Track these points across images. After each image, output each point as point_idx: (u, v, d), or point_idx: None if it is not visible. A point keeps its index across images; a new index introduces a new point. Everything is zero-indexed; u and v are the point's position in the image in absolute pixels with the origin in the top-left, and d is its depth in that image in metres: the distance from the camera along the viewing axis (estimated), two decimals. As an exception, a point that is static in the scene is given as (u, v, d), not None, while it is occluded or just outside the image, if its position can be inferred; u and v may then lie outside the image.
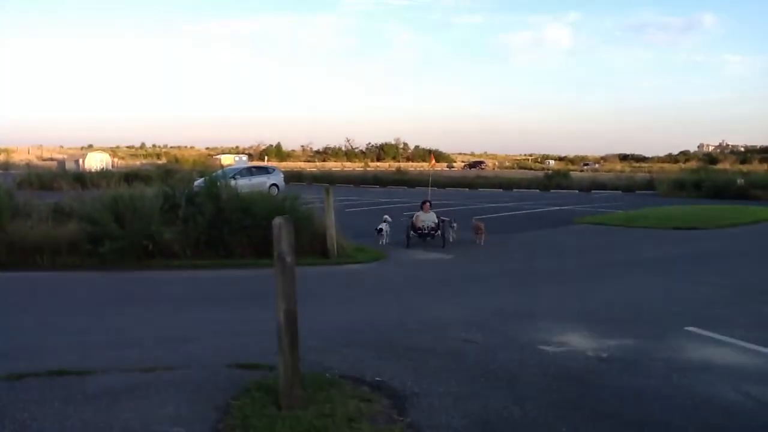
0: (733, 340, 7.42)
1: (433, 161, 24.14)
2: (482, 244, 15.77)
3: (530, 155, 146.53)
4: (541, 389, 5.78)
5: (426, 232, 15.79)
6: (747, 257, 14.81)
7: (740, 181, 35.04)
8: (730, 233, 19.54)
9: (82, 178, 31.38)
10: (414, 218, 16.19)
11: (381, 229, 15.79)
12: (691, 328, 7.95)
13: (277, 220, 4.95)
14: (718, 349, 7.13)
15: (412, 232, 15.77)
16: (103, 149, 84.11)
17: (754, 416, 5.23)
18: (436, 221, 16.01)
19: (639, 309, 9.11)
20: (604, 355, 6.87)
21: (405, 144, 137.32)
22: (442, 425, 4.98)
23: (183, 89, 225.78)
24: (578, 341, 7.35)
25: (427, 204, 16.53)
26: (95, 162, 52.91)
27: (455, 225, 16.64)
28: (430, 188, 23.73)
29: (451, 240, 15.99)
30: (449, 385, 5.87)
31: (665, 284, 11.32)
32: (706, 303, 9.54)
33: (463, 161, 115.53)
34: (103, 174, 27.26)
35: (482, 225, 16.15)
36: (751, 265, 13.46)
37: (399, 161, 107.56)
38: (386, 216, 16.42)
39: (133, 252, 12.54)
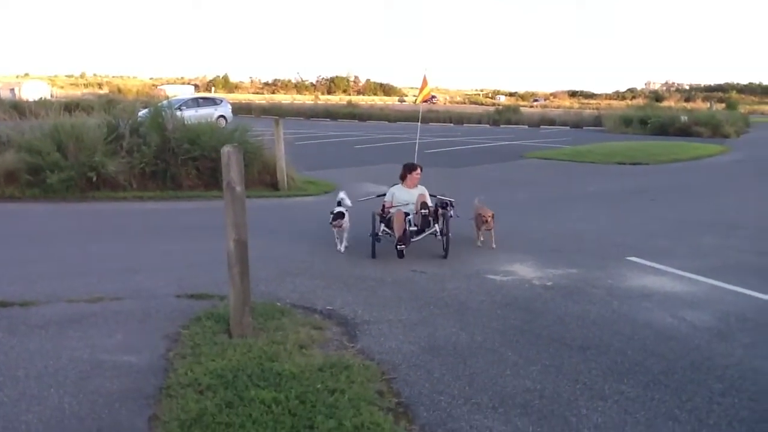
0: (671, 270, 7.72)
1: (426, 90, 11.76)
2: (492, 246, 8.62)
3: (481, 90, 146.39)
4: (489, 316, 5.94)
5: (412, 228, 8.12)
6: (687, 191, 15.29)
7: (684, 118, 35.75)
8: (673, 168, 20.11)
9: (20, 107, 29.94)
10: (387, 202, 8.55)
11: (336, 215, 8.23)
12: (632, 258, 8.23)
13: (226, 148, 4.85)
14: (658, 278, 7.42)
15: (383, 228, 8.19)
16: (41, 78, 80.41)
17: (689, 339, 5.49)
18: (432, 206, 8.39)
19: (583, 240, 9.36)
20: (549, 283, 7.07)
21: (356, 77, 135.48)
22: (392, 350, 5.09)
23: (124, 13, 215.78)
24: (524, 271, 7.54)
25: (416, 172, 8.66)
26: (33, 91, 50.53)
27: (452, 211, 8.67)
28: (417, 142, 11.24)
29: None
30: (399, 312, 5.98)
31: (609, 217, 11.64)
32: (648, 234, 9.86)
33: (414, 96, 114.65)
34: (42, 103, 26.00)
35: (491, 214, 8.58)
36: (691, 199, 13.91)
37: (350, 94, 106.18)
38: (342, 194, 8.91)
39: (77, 183, 12.18)
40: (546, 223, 10.65)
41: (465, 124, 45.65)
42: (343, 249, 8.34)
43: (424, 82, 11.25)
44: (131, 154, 12.90)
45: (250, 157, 13.16)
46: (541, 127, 43.62)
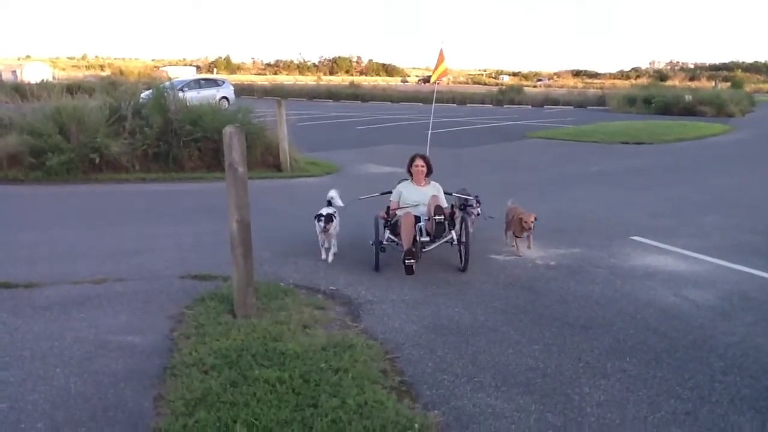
0: (674, 249, 7.72)
1: (443, 67, 10.10)
2: (529, 247, 7.54)
3: (485, 70, 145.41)
4: (491, 296, 5.96)
5: (424, 239, 6.60)
6: (691, 171, 15.23)
7: (688, 97, 35.54)
8: (676, 148, 20.01)
9: (21, 90, 29.84)
10: (393, 202, 7.18)
11: (325, 218, 6.86)
12: (635, 238, 8.23)
13: (228, 129, 4.84)
14: (661, 257, 7.42)
15: (388, 235, 6.86)
16: (42, 60, 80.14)
17: (691, 318, 5.50)
18: (448, 207, 7.06)
19: (586, 220, 9.35)
20: (552, 263, 7.07)
21: (359, 58, 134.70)
22: (396, 330, 5.11)
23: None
24: (527, 251, 7.53)
25: (417, 163, 7.21)
26: (34, 73, 50.32)
27: (477, 209, 7.77)
28: (430, 130, 10.37)
29: (471, 229, 7.16)
30: (402, 292, 6.00)
31: (612, 196, 11.61)
32: (651, 214, 9.84)
33: (417, 76, 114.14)
34: (44, 85, 25.89)
35: (533, 218, 7.19)
36: (695, 179, 13.86)
37: (353, 75, 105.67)
38: (333, 193, 7.57)
39: (80, 165, 12.18)
40: (549, 203, 10.62)
41: (468, 104, 45.46)
42: (330, 258, 6.98)
43: (440, 58, 10.00)
44: (133, 136, 12.89)
45: (253, 139, 13.14)
46: (545, 106, 43.41)
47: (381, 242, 6.71)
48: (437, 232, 6.65)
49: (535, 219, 7.23)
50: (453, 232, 6.87)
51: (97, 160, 12.24)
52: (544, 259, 7.21)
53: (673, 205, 10.70)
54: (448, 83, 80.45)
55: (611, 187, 12.65)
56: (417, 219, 6.64)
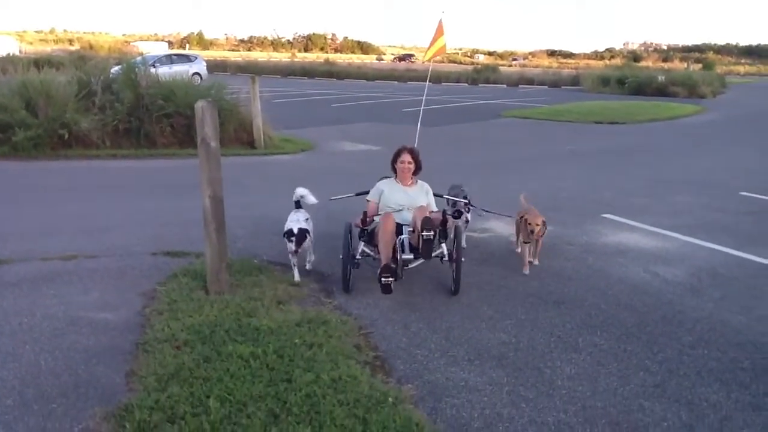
0: (646, 226, 7.83)
1: (441, 42, 7.97)
2: (535, 261, 6.30)
3: (460, 49, 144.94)
4: (466, 272, 5.94)
5: (407, 256, 5.30)
6: (663, 151, 15.40)
7: (661, 78, 35.85)
8: (649, 128, 20.21)
9: (-14, 64, 29.10)
10: (372, 202, 5.92)
11: (296, 238, 5.46)
12: (607, 216, 8.33)
13: (200, 103, 4.76)
14: (632, 235, 7.52)
15: (362, 247, 5.64)
16: (9, 33, 78.03)
17: (661, 293, 5.60)
18: (438, 212, 5.83)
19: (560, 198, 9.42)
20: (525, 240, 7.11)
21: (333, 35, 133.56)
22: (370, 306, 5.12)
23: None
24: (502, 227, 7.58)
25: (403, 158, 5.90)
26: (0, 47, 49.08)
27: (467, 215, 6.56)
28: (420, 121, 8.58)
29: (463, 244, 6.43)
30: (376, 269, 5.98)
31: (585, 175, 11.70)
32: (623, 192, 9.95)
33: (393, 54, 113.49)
34: (10, 59, 25.26)
35: (540, 222, 6.06)
36: (667, 158, 14.03)
37: (327, 52, 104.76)
38: (301, 191, 6.11)
39: (48, 141, 11.94)
40: (523, 182, 10.67)
41: (443, 83, 45.31)
42: (297, 278, 5.52)
43: (439, 31, 8.17)
44: (104, 112, 12.65)
45: (226, 115, 12.99)
46: (520, 86, 43.45)
47: (354, 257, 5.46)
48: (425, 251, 5.23)
49: (544, 223, 6.08)
50: (444, 245, 5.57)
51: (67, 136, 12.01)
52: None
53: (645, 184, 10.83)
54: (422, 62, 79.78)
55: (585, 166, 12.75)
56: (399, 228, 5.45)
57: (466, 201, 6.49)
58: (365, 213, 5.81)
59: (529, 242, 6.16)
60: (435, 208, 5.87)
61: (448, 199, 6.62)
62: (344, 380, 3.75)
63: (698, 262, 6.54)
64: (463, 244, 6.31)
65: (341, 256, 5.37)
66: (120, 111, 12.62)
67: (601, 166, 12.78)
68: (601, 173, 11.95)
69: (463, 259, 5.48)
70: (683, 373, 4.13)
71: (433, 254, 5.40)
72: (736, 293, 5.68)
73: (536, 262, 6.26)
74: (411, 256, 5.29)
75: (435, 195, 6.10)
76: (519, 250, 6.43)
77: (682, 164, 13.22)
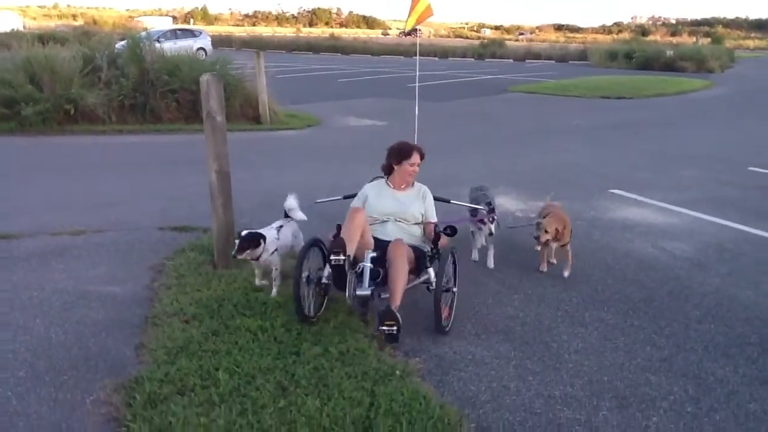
0: (653, 201, 7.81)
1: (423, 4, 7.24)
2: (566, 273, 5.38)
3: (466, 23, 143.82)
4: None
5: (363, 292, 3.96)
6: (670, 126, 15.30)
7: (669, 52, 35.54)
8: (656, 102, 20.07)
9: (-10, 39, 28.97)
10: (355, 215, 4.26)
11: (242, 237, 4.40)
12: (614, 191, 8.30)
13: (205, 77, 4.74)
14: (639, 210, 7.50)
15: (329, 271, 4.11)
16: (12, 9, 77.58)
17: (668, 268, 5.59)
18: (430, 226, 4.69)
19: (567, 173, 9.38)
20: (532, 215, 7.09)
21: (338, 9, 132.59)
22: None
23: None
24: (509, 203, 7.57)
25: (410, 161, 4.67)
26: (3, 22, 48.82)
27: (491, 226, 5.31)
28: (417, 84, 9.33)
29: (490, 264, 5.59)
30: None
31: (592, 150, 11.64)
32: (630, 167, 9.91)
33: (398, 29, 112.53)
34: (14, 35, 25.12)
35: (553, 230, 5.19)
36: (674, 133, 13.93)
37: (332, 27, 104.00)
38: (291, 200, 5.01)
39: (55, 116, 11.92)
40: (530, 157, 10.65)
41: (450, 58, 45.00)
42: (274, 292, 4.57)
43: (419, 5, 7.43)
44: (109, 87, 12.61)
45: (231, 90, 12.93)
46: (527, 61, 43.15)
47: (320, 280, 4.20)
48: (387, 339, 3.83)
49: (565, 228, 5.29)
50: (431, 270, 4.33)
51: (73, 111, 12.00)
52: (524, 212, 7.25)
53: (652, 158, 10.77)
54: (428, 36, 79.23)
55: (592, 141, 12.68)
56: (375, 246, 4.28)
57: (489, 205, 5.41)
58: (339, 227, 4.36)
59: (546, 246, 5.38)
60: (434, 218, 4.79)
61: (468, 207, 5.63)
62: (352, 353, 3.77)
63: (705, 237, 6.52)
64: (490, 264, 5.44)
65: (294, 281, 4.05)
66: (125, 86, 12.58)
67: (609, 140, 12.71)
68: (608, 148, 11.88)
69: (455, 289, 4.44)
70: (690, 348, 4.13)
71: (418, 281, 4.38)
72: (744, 268, 5.67)
73: (566, 274, 5.35)
74: (368, 292, 3.97)
75: (455, 203, 5.38)
76: (538, 248, 5.62)
77: (689, 139, 13.13)
